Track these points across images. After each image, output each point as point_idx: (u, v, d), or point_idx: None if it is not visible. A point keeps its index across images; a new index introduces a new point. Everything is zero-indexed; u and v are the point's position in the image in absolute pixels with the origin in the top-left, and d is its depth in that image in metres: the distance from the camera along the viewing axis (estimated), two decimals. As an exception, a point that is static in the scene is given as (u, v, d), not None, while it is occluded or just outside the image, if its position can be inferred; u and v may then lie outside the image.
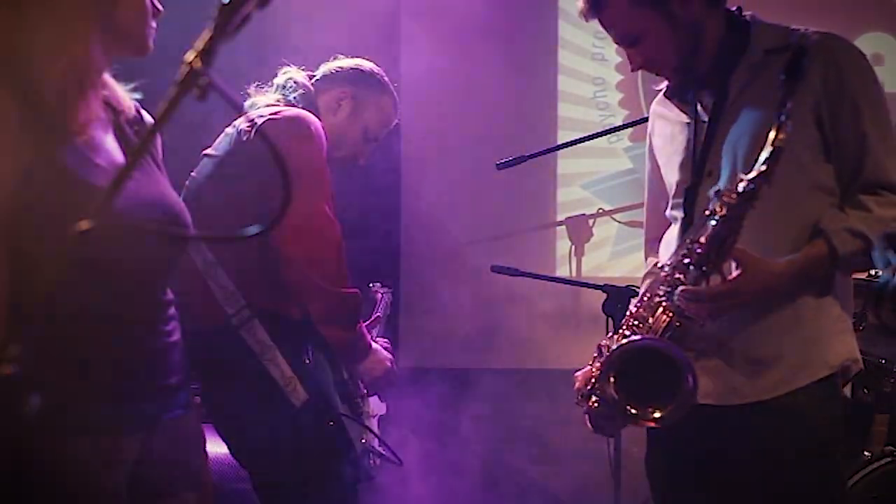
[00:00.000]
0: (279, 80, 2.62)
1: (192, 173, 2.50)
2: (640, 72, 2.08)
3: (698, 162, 2.03)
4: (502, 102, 4.15)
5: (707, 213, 1.86)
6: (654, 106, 2.23)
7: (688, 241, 1.90)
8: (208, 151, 2.51)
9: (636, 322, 2.00)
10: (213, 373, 2.35)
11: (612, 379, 1.92)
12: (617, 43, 2.08)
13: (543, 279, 3.29)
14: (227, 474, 2.56)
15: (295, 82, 2.58)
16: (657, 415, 1.90)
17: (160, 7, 1.75)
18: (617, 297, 2.91)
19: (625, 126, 3.79)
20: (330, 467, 2.37)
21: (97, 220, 0.99)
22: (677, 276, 1.90)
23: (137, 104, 1.82)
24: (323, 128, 2.46)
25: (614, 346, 1.94)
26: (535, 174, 4.01)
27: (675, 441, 2.02)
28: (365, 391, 2.66)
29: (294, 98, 2.54)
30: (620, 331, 2.04)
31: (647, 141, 2.26)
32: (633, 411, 1.92)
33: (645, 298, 2.01)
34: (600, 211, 4.24)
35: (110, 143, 1.72)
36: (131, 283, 1.69)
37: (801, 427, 1.95)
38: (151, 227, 1.66)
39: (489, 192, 4.11)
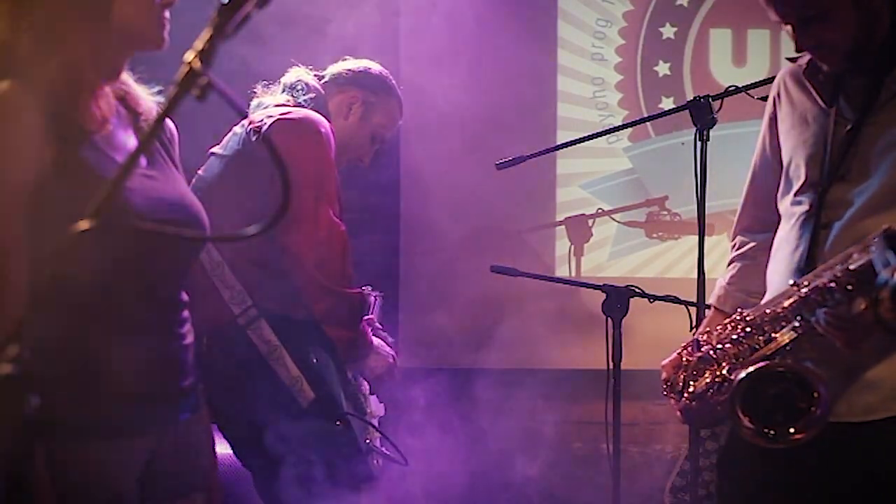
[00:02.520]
0: (287, 79, 2.62)
1: (199, 171, 2.50)
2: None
3: (834, 161, 1.90)
4: (502, 102, 4.14)
5: (872, 248, 1.71)
6: (785, 77, 2.07)
7: (838, 267, 1.79)
8: (215, 150, 2.51)
9: (750, 329, 1.93)
10: (220, 372, 2.35)
11: (740, 412, 1.85)
12: (784, 18, 1.88)
13: (543, 279, 3.29)
14: (231, 474, 2.56)
15: (305, 84, 2.58)
16: (792, 430, 1.83)
17: None
18: (616, 297, 2.92)
19: (624, 126, 3.78)
20: (335, 467, 2.37)
21: (100, 216, 0.99)
22: (814, 297, 1.81)
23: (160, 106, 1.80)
24: (332, 130, 2.46)
25: (742, 375, 1.85)
26: (535, 174, 4.01)
27: (755, 448, 1.93)
28: (368, 390, 2.67)
29: (304, 101, 2.55)
30: (724, 330, 1.97)
31: (770, 112, 2.10)
32: (772, 433, 1.85)
33: (767, 311, 1.91)
34: (599, 211, 4.25)
35: (132, 144, 1.71)
36: (147, 284, 1.69)
37: (893, 456, 1.86)
38: (150, 227, 1.66)
39: (489, 192, 4.11)
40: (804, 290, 1.84)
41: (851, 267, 1.76)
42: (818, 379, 1.82)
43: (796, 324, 1.84)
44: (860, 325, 1.76)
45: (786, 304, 1.86)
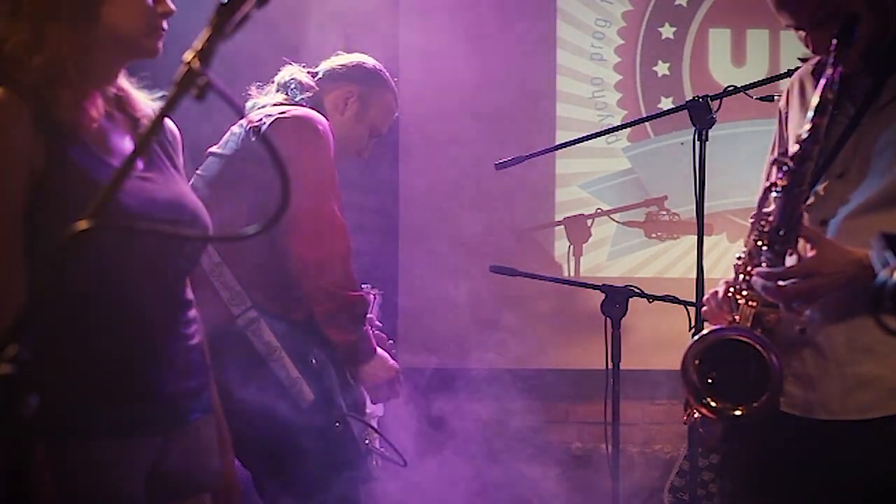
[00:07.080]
0: (281, 78, 2.61)
1: (198, 171, 2.49)
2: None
3: (827, 158, 1.89)
4: (501, 102, 4.15)
5: (768, 185, 1.77)
6: (797, 77, 2.07)
7: (758, 222, 1.82)
8: (213, 150, 2.51)
9: (730, 320, 1.93)
10: (218, 374, 2.34)
11: (695, 364, 1.85)
12: (797, 23, 1.88)
13: (542, 279, 3.29)
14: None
15: (300, 83, 2.58)
16: (738, 412, 1.83)
17: (171, 7, 1.71)
18: (615, 297, 2.92)
19: (623, 126, 3.79)
20: (334, 468, 2.36)
21: (97, 218, 0.99)
22: (753, 261, 1.83)
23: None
24: (330, 126, 2.46)
25: (695, 338, 1.87)
26: (534, 174, 4.02)
27: (753, 447, 1.94)
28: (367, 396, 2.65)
29: (301, 100, 2.54)
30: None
31: (783, 111, 2.11)
32: (714, 404, 1.84)
33: (729, 295, 1.91)
34: (598, 211, 4.25)
35: (128, 148, 1.71)
36: (151, 285, 1.69)
37: (892, 455, 1.84)
38: (150, 227, 1.66)
39: (488, 192, 4.11)
40: (743, 257, 1.87)
41: (770, 217, 1.79)
42: (771, 351, 1.81)
43: (745, 293, 1.86)
44: (788, 277, 1.77)
45: (739, 279, 1.89)
